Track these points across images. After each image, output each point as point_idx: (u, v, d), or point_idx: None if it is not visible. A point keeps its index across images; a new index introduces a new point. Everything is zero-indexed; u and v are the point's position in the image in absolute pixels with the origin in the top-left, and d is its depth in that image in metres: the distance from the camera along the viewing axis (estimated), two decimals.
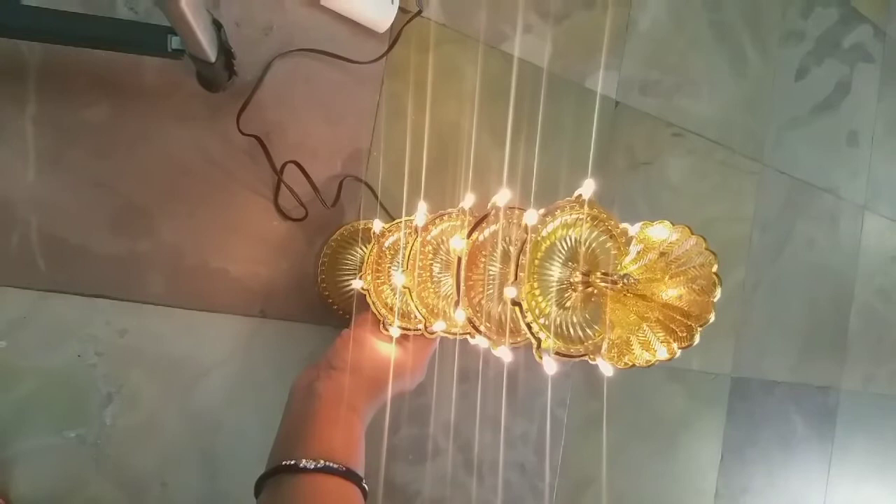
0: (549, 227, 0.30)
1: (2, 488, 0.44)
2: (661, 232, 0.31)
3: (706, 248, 0.29)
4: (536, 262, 0.29)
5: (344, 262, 0.54)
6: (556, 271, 0.30)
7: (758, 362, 0.90)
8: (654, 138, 0.77)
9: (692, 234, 0.30)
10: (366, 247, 0.54)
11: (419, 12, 0.58)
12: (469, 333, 0.38)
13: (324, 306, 0.55)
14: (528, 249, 0.29)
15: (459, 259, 0.34)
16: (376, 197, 0.58)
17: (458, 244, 0.34)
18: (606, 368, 0.30)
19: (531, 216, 0.30)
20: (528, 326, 0.29)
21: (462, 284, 0.34)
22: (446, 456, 0.63)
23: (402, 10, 0.56)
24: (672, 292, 0.30)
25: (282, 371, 0.54)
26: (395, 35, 0.57)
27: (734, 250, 0.86)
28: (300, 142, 0.54)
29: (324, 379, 0.43)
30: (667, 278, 0.30)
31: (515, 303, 0.29)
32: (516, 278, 0.29)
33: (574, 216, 0.31)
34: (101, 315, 0.47)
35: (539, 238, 0.30)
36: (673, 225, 0.31)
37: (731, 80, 0.84)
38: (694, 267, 0.29)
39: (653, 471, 0.80)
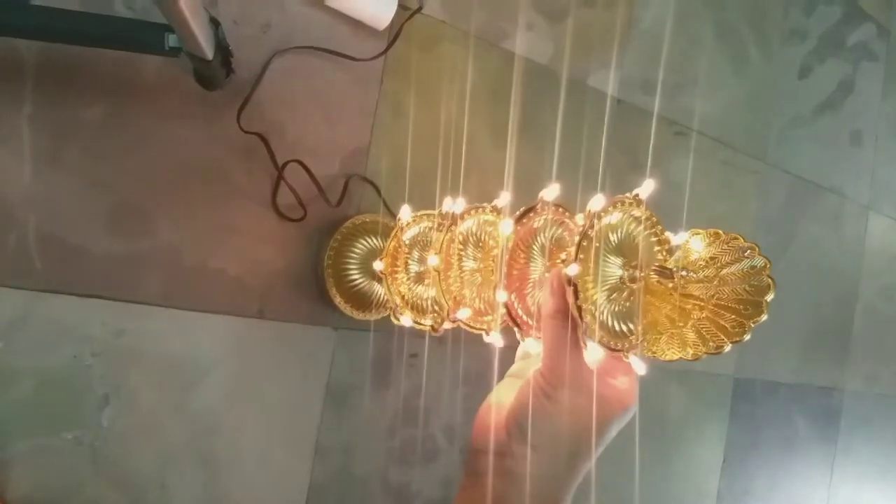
0: (611, 218, 0.31)
1: None
2: (698, 244, 0.32)
3: (759, 254, 0.30)
4: (595, 248, 0.30)
5: (350, 255, 0.54)
6: (610, 264, 0.31)
7: (761, 363, 0.90)
8: (656, 137, 0.77)
9: (745, 241, 0.31)
10: (374, 239, 0.54)
11: (419, 9, 0.57)
12: (485, 329, 0.38)
13: (326, 301, 0.54)
14: (592, 234, 0.30)
15: (505, 243, 0.35)
16: (381, 198, 0.57)
17: (507, 228, 0.35)
18: (640, 367, 0.31)
19: (597, 201, 0.31)
20: (579, 309, 0.29)
21: (504, 267, 0.34)
22: (446, 456, 0.63)
23: (401, 7, 0.56)
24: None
25: (280, 371, 0.54)
26: (394, 32, 0.56)
27: None
28: (299, 140, 0.53)
29: (501, 476, 0.30)
30: (716, 282, 0.30)
31: (572, 283, 0.29)
32: (577, 259, 0.29)
33: (633, 212, 0.32)
34: (98, 315, 0.47)
35: (601, 227, 0.30)
36: (723, 233, 0.32)
37: (733, 78, 0.84)
38: (745, 271, 0.30)
39: (655, 472, 0.80)
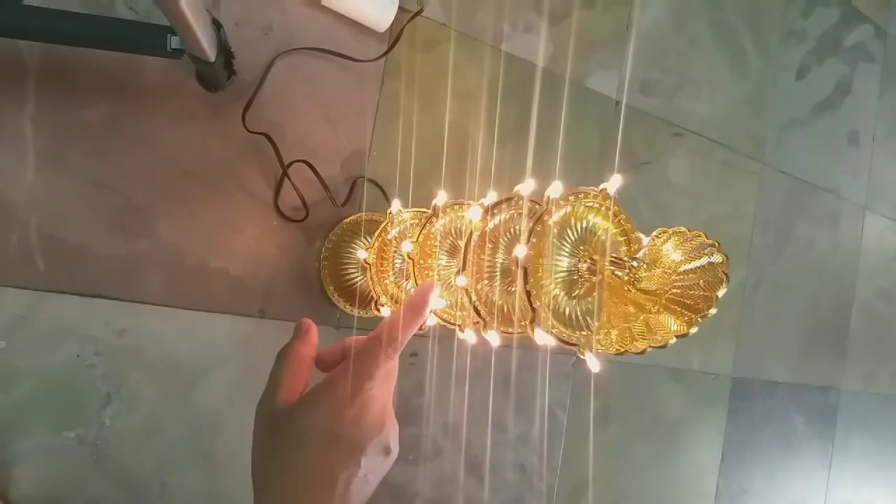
0: (570, 209, 0.30)
1: (1, 489, 0.44)
2: (672, 251, 0.31)
3: (718, 251, 0.30)
4: (550, 234, 0.30)
5: (347, 251, 0.55)
6: (565, 252, 0.30)
7: (758, 362, 0.90)
8: (654, 138, 0.77)
9: (707, 238, 0.30)
10: (371, 238, 0.55)
11: (420, 11, 0.58)
12: (459, 325, 0.38)
13: (327, 300, 0.55)
14: (545, 220, 0.29)
15: (471, 232, 0.34)
16: (387, 199, 0.58)
17: (476, 215, 0.34)
18: (594, 364, 0.30)
19: (555, 188, 0.30)
20: (528, 295, 0.29)
21: (471, 253, 0.34)
22: (446, 456, 0.63)
23: (402, 9, 0.56)
24: (675, 290, 0.30)
25: None
26: (395, 34, 0.56)
27: (735, 250, 0.86)
28: (300, 141, 0.54)
29: None
30: (674, 277, 0.30)
31: (522, 266, 0.29)
32: (528, 242, 0.29)
33: (597, 204, 0.31)
34: (100, 315, 0.47)
35: (558, 217, 0.30)
36: (688, 231, 0.31)
37: (731, 79, 0.84)
38: (702, 267, 0.30)
39: (653, 471, 0.80)
